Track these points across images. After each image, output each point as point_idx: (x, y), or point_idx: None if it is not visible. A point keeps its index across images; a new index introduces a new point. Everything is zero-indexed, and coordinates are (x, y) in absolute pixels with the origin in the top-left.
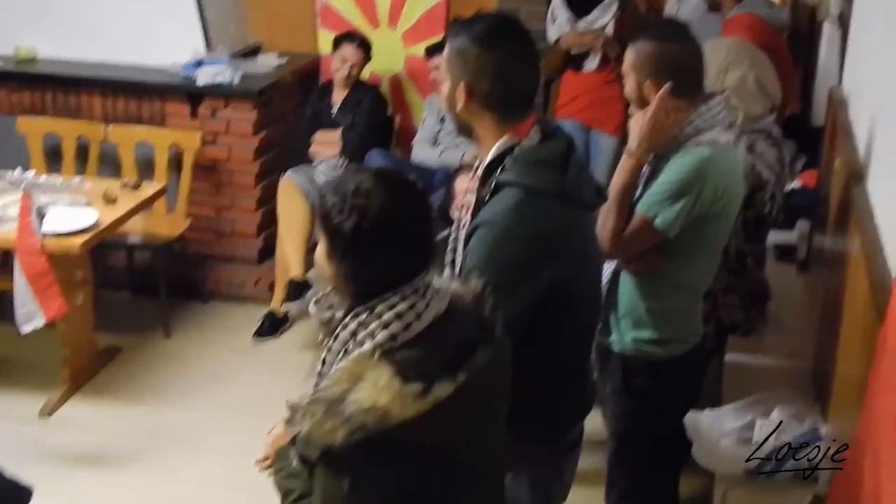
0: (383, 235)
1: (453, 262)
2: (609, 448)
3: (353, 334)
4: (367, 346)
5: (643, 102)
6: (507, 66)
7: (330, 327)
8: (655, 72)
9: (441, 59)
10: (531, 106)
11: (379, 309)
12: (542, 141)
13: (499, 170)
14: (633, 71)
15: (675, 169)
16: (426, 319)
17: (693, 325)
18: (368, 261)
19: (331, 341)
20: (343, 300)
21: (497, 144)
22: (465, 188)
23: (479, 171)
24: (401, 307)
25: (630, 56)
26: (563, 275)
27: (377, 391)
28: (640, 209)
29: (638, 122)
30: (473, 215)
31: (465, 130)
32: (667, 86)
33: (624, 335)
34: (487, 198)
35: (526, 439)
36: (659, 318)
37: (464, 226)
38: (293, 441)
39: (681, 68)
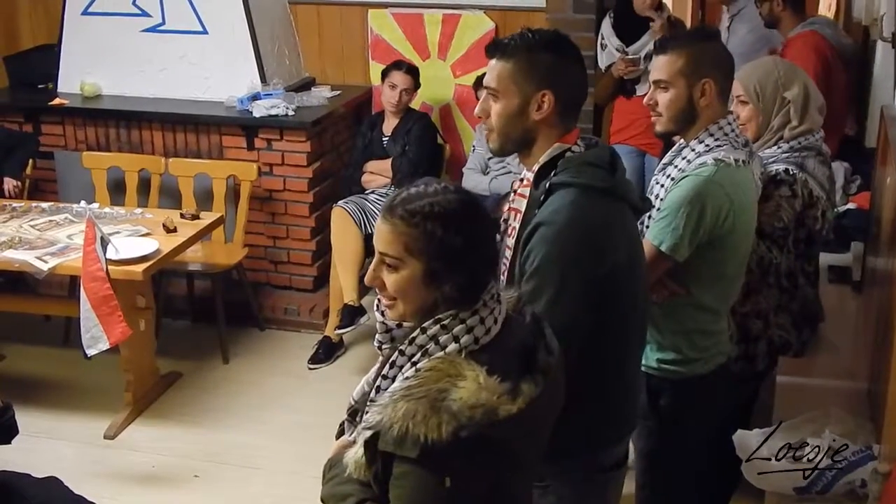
0: (478, 246)
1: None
2: (637, 468)
3: (434, 338)
4: (452, 347)
5: (691, 110)
6: (577, 72)
7: (394, 333)
8: (712, 70)
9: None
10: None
11: (462, 314)
12: (587, 150)
13: (551, 174)
14: (682, 76)
15: (675, 194)
16: (499, 324)
17: (716, 344)
18: (465, 271)
19: (405, 345)
20: (419, 312)
21: (548, 151)
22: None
23: (530, 176)
24: (483, 312)
25: (677, 61)
26: (620, 266)
27: (480, 388)
28: (648, 236)
29: None
30: (525, 218)
31: (506, 150)
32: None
33: (649, 356)
34: (542, 200)
35: (567, 454)
36: (680, 337)
37: (512, 229)
38: (367, 444)
39: (729, 67)
